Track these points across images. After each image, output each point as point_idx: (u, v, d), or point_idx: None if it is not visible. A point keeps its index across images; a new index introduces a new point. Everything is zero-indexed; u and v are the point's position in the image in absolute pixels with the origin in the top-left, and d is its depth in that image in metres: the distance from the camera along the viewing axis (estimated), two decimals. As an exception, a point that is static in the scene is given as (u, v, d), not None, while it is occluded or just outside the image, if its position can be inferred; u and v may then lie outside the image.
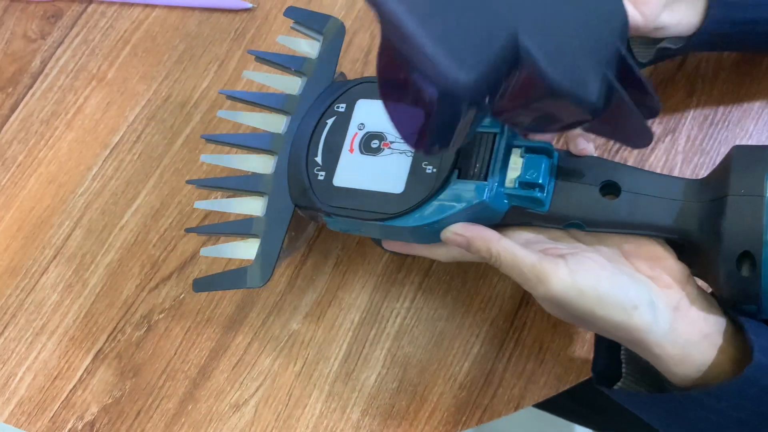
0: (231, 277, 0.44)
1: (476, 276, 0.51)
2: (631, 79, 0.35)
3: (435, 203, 0.39)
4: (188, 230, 0.47)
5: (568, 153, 0.40)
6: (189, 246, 0.53)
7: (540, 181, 0.38)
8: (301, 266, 0.52)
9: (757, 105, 0.53)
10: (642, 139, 0.35)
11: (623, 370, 0.41)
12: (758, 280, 0.34)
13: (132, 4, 0.60)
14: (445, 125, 0.32)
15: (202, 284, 0.45)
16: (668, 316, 0.36)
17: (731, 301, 0.36)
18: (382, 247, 0.51)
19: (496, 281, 0.51)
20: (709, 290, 0.40)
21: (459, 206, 0.38)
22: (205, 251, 0.46)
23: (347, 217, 0.41)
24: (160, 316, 0.52)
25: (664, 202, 0.37)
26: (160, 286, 0.52)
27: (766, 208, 0.34)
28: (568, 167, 0.39)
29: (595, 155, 0.40)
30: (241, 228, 0.44)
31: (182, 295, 0.52)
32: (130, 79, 0.58)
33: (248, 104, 0.48)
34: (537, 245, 0.38)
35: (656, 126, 0.53)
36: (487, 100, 0.32)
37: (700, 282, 0.39)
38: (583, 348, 0.49)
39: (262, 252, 0.43)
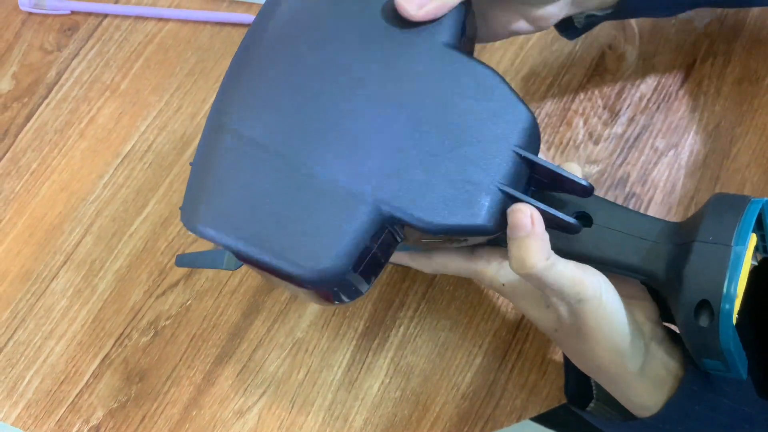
0: (210, 257, 0.44)
1: (479, 287, 0.51)
2: (548, 175, 0.34)
3: None
4: (182, 208, 0.47)
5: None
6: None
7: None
8: (307, 275, 0.53)
9: (760, 121, 0.54)
10: (568, 228, 0.34)
11: (594, 392, 0.43)
12: (716, 332, 0.32)
13: (146, 18, 0.62)
14: (339, 290, 0.33)
15: (184, 260, 0.45)
16: (643, 355, 0.37)
17: (696, 353, 0.35)
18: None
19: (499, 292, 0.51)
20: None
21: None
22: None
23: None
24: (167, 323, 0.52)
25: (633, 240, 0.36)
26: (168, 293, 0.53)
27: (732, 260, 0.32)
28: (546, 193, 0.38)
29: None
30: None
31: (189, 302, 0.53)
32: (143, 91, 0.59)
33: None
34: None
35: (659, 141, 0.54)
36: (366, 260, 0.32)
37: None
38: (586, 359, 0.49)
39: None
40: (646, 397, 0.37)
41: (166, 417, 0.50)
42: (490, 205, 0.32)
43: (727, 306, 0.32)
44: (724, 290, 0.32)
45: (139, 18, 0.62)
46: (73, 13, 0.62)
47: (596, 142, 0.54)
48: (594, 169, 0.53)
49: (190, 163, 0.36)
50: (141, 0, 0.62)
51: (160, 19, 0.61)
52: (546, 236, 0.33)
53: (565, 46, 0.57)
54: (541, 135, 0.55)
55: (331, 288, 0.33)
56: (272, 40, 0.34)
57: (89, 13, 0.62)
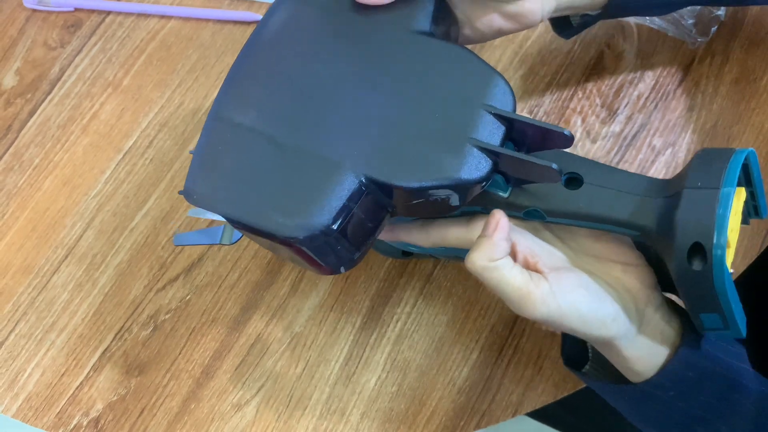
0: (207, 234, 0.46)
1: (477, 283, 0.52)
2: (528, 131, 0.36)
3: None
4: (182, 192, 0.48)
5: None
6: (196, 248, 0.54)
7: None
8: (305, 270, 0.53)
9: (757, 120, 0.54)
10: (551, 176, 0.35)
11: (589, 354, 0.44)
12: (710, 275, 0.33)
13: (148, 15, 0.62)
14: (328, 251, 0.36)
15: (181, 239, 0.47)
16: (637, 321, 0.37)
17: (693, 307, 0.36)
18: (379, 252, 0.52)
19: (496, 288, 0.52)
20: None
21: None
22: (192, 212, 0.46)
23: None
24: (167, 317, 0.53)
25: (623, 196, 0.37)
26: (168, 287, 0.54)
27: (721, 200, 0.33)
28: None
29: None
30: None
31: (188, 297, 0.53)
32: (145, 87, 0.60)
33: None
34: (517, 237, 0.38)
35: (657, 139, 0.54)
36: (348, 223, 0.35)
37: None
38: (581, 356, 0.50)
39: None
40: (641, 364, 0.37)
41: (165, 410, 0.51)
42: (464, 159, 0.34)
43: (718, 247, 0.32)
44: (715, 230, 0.32)
45: (141, 15, 0.62)
46: (76, 10, 0.63)
47: (594, 141, 0.54)
48: (591, 167, 0.54)
49: (191, 151, 0.42)
50: (144, -3, 0.63)
51: (162, 17, 0.62)
52: (500, 244, 0.35)
53: (564, 45, 0.57)
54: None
55: (315, 247, 0.35)
56: (264, 45, 0.40)
57: (92, 10, 0.63)
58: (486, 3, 0.42)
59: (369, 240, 0.37)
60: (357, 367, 0.50)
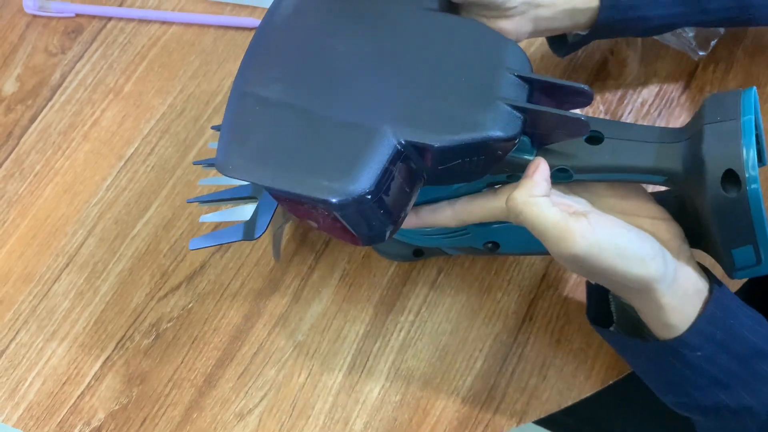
0: (227, 232, 0.45)
1: (480, 291, 0.51)
2: (545, 86, 0.37)
3: None
4: (190, 200, 0.48)
5: None
6: (198, 256, 0.54)
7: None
8: (308, 278, 0.53)
9: (764, 127, 0.54)
10: (580, 128, 0.36)
11: (614, 317, 0.44)
12: (745, 199, 0.34)
13: (150, 21, 0.62)
14: (364, 219, 0.35)
15: (198, 242, 0.46)
16: (674, 266, 0.37)
17: (726, 239, 0.36)
18: (388, 257, 0.51)
19: (500, 296, 0.51)
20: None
21: None
22: (204, 218, 0.46)
23: None
24: (169, 325, 0.52)
25: (645, 146, 0.37)
26: (170, 295, 0.53)
27: (744, 126, 0.34)
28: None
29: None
30: (241, 192, 0.46)
31: (191, 305, 0.53)
32: (146, 93, 0.59)
33: None
34: (552, 197, 0.38)
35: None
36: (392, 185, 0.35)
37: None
38: (586, 364, 0.49)
39: (259, 206, 0.45)
40: (675, 315, 0.37)
41: (167, 419, 0.50)
42: (496, 116, 0.35)
43: (750, 167, 0.33)
44: (744, 153, 0.33)
45: (142, 21, 0.62)
46: (77, 15, 0.63)
47: (598, 148, 0.54)
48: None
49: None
50: (145, 3, 0.62)
51: (163, 23, 0.62)
52: (541, 183, 0.36)
53: (567, 51, 0.57)
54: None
55: (355, 213, 0.34)
56: (279, 25, 0.40)
57: (93, 16, 0.62)
58: (461, 14, 0.44)
59: (404, 211, 0.37)
60: (360, 376, 0.50)
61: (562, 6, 0.44)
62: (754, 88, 0.36)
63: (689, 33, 0.54)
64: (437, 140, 0.34)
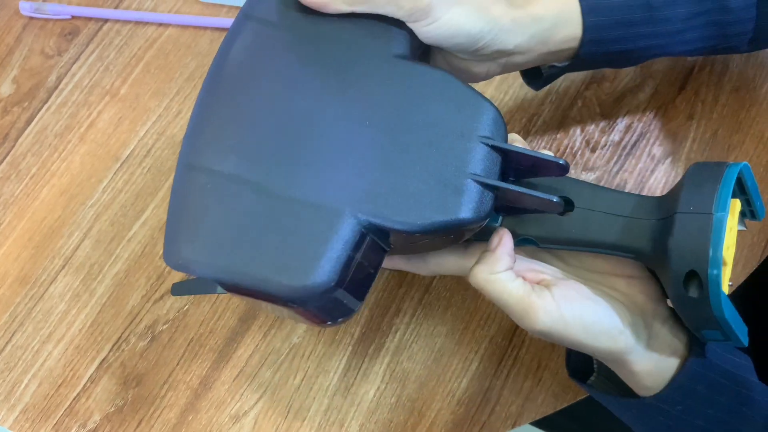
0: (205, 283, 0.44)
1: (476, 293, 0.51)
2: (522, 160, 0.35)
3: None
4: (164, 257, 0.47)
5: None
6: (194, 258, 0.54)
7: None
8: (304, 280, 0.53)
9: (757, 129, 0.54)
10: (553, 208, 0.35)
11: (594, 366, 0.44)
12: (707, 301, 0.33)
13: (146, 23, 0.62)
14: (328, 307, 0.33)
15: (180, 288, 0.45)
16: (645, 335, 0.37)
17: (692, 325, 0.36)
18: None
19: (495, 299, 0.51)
20: None
21: None
22: None
23: None
24: (164, 327, 0.53)
25: (616, 219, 0.36)
26: (165, 297, 0.53)
27: (714, 227, 0.32)
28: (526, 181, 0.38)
29: None
30: None
31: (186, 307, 0.53)
32: (142, 95, 0.60)
33: None
34: (517, 262, 0.38)
35: (656, 148, 0.54)
36: (350, 270, 0.33)
37: None
38: (581, 367, 0.49)
39: None
40: (650, 379, 0.37)
41: (163, 421, 0.50)
42: (467, 197, 0.33)
43: (714, 273, 0.32)
44: (710, 258, 0.32)
45: (139, 23, 0.62)
46: (73, 17, 0.63)
47: (593, 150, 0.54)
48: (591, 176, 0.54)
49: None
50: (141, 5, 0.62)
51: (160, 25, 0.62)
52: (503, 258, 0.35)
53: (563, 53, 0.57)
54: (539, 142, 0.55)
55: (319, 306, 0.33)
56: (230, 78, 0.36)
57: (90, 18, 0.62)
58: (437, 60, 0.41)
59: (369, 285, 0.35)
60: (356, 378, 0.50)
61: (539, 51, 0.42)
62: (744, 164, 0.35)
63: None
64: (404, 225, 0.32)
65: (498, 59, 0.41)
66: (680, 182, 0.36)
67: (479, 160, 0.33)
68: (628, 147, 0.54)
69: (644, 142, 0.54)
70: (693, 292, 0.33)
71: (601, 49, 0.42)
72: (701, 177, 0.35)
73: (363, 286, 0.34)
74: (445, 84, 0.35)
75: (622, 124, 0.55)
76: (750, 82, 0.55)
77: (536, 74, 0.47)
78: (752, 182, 0.36)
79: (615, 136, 0.54)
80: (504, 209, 0.37)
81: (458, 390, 0.49)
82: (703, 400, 0.37)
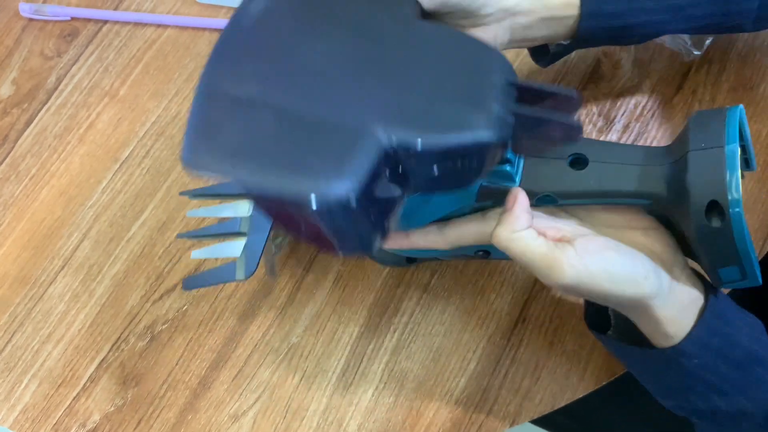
0: (219, 273, 0.44)
1: (474, 293, 0.52)
2: (536, 94, 0.36)
3: None
4: (180, 236, 0.48)
5: None
6: (193, 259, 0.54)
7: (508, 156, 0.38)
8: (302, 280, 0.53)
9: (754, 128, 0.54)
10: (570, 132, 0.35)
11: (612, 322, 0.44)
12: (729, 229, 0.34)
13: (145, 25, 0.62)
14: (345, 228, 0.32)
15: (191, 282, 0.45)
16: (668, 280, 0.37)
17: (712, 262, 0.36)
18: (381, 263, 0.52)
19: (493, 298, 0.51)
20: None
21: None
22: (195, 254, 0.46)
23: None
24: (164, 327, 0.53)
25: (629, 168, 0.37)
26: (164, 297, 0.53)
27: (728, 157, 0.34)
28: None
29: None
30: (229, 228, 0.46)
31: (185, 307, 0.53)
32: (141, 96, 0.60)
33: None
34: (537, 221, 0.38)
35: (654, 148, 0.54)
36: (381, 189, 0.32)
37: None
38: (579, 365, 0.49)
39: (247, 247, 0.44)
40: (673, 326, 0.37)
41: (162, 421, 0.51)
42: (487, 117, 0.33)
43: (735, 203, 0.33)
44: (728, 185, 0.34)
45: (138, 24, 0.62)
46: (73, 19, 0.63)
47: (591, 149, 0.54)
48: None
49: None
50: (140, 6, 0.63)
51: (159, 26, 0.62)
52: (522, 216, 0.36)
53: (561, 53, 0.57)
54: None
55: (335, 222, 0.32)
56: (252, 23, 0.36)
57: (89, 20, 0.63)
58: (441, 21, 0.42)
59: (389, 219, 0.35)
60: (354, 377, 0.50)
61: (540, 14, 0.43)
62: (741, 106, 0.36)
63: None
64: (427, 140, 0.33)
65: (502, 20, 0.42)
66: (685, 128, 0.37)
67: (495, 90, 0.34)
68: (626, 147, 0.54)
69: (642, 141, 0.54)
70: (715, 222, 0.34)
71: (601, 23, 0.43)
72: (706, 119, 0.36)
73: (383, 215, 0.34)
74: (455, 35, 0.37)
75: (619, 123, 0.55)
76: (747, 81, 0.55)
77: (544, 52, 0.49)
78: (747, 127, 0.37)
79: (613, 135, 0.54)
80: (522, 149, 0.37)
81: (456, 389, 0.50)
82: (718, 355, 0.37)
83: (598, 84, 0.56)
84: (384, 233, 0.35)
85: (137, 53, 0.61)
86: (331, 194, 0.30)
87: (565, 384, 0.49)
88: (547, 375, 0.49)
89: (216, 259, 0.52)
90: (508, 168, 0.38)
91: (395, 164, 0.34)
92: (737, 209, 0.33)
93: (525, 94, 0.36)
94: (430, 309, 0.52)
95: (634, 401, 0.59)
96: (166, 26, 0.62)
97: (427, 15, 0.41)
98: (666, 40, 0.55)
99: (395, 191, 0.34)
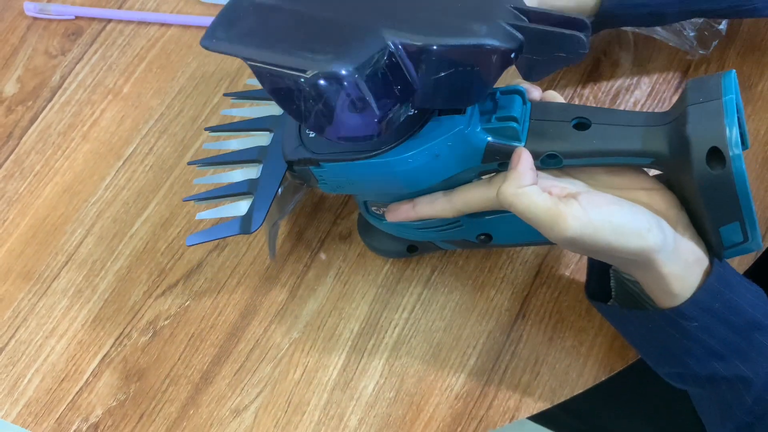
0: (224, 227, 0.45)
1: (474, 289, 0.52)
2: (542, 18, 0.37)
3: (418, 138, 0.40)
4: (186, 199, 0.47)
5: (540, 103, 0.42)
6: (196, 255, 0.55)
7: (514, 114, 0.39)
8: (303, 276, 0.53)
9: (753, 126, 0.54)
10: (578, 47, 0.36)
11: (612, 292, 0.44)
12: (730, 175, 0.34)
13: (148, 23, 0.63)
14: (352, 104, 0.35)
15: (195, 238, 0.45)
16: (672, 235, 0.37)
17: (714, 216, 0.37)
18: (382, 255, 0.52)
19: (493, 294, 0.52)
20: None
21: (440, 137, 0.39)
22: (201, 215, 0.46)
23: (337, 161, 0.41)
24: (166, 322, 0.53)
25: (632, 129, 0.38)
26: (167, 293, 0.54)
27: (726, 106, 0.35)
28: (540, 110, 0.41)
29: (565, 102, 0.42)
30: (237, 188, 0.46)
31: (188, 303, 0.53)
32: (145, 94, 0.60)
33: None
34: (542, 181, 0.39)
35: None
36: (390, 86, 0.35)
37: None
38: (578, 361, 0.50)
39: (255, 201, 0.44)
40: (678, 283, 0.37)
41: (164, 415, 0.51)
42: (493, 28, 0.35)
43: (734, 144, 0.34)
44: (727, 131, 0.34)
45: (141, 23, 0.63)
46: (77, 18, 0.63)
47: (590, 147, 0.55)
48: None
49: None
50: (144, 5, 0.63)
51: (162, 24, 0.63)
52: (527, 173, 0.37)
53: (561, 52, 0.57)
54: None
55: (343, 98, 0.34)
56: None
57: (93, 18, 0.63)
58: None
59: (393, 107, 0.36)
60: (355, 372, 0.51)
61: (560, 7, 0.44)
62: (734, 71, 0.37)
63: (690, 33, 0.55)
64: (432, 42, 0.35)
65: None
66: (683, 92, 0.38)
67: (506, 12, 0.37)
68: (625, 144, 0.55)
69: (641, 139, 0.55)
70: (717, 169, 0.35)
71: (623, 1, 0.44)
72: (702, 81, 0.37)
73: (386, 104, 0.36)
74: None
75: (619, 121, 0.55)
76: (746, 80, 0.55)
77: None
78: (740, 100, 0.38)
79: (612, 133, 0.55)
80: (532, 70, 0.39)
81: (456, 384, 0.50)
82: (719, 319, 0.37)
83: (598, 82, 0.56)
84: (385, 121, 0.36)
85: (141, 52, 0.62)
86: (342, 67, 0.33)
87: (565, 379, 0.49)
88: (546, 370, 0.50)
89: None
90: (514, 125, 0.39)
91: (399, 66, 0.35)
92: (737, 155, 0.34)
93: (534, 16, 0.37)
94: (430, 305, 0.52)
95: (635, 399, 0.59)
96: (169, 25, 0.63)
97: None
98: (671, 39, 0.55)
99: (399, 89, 0.36)
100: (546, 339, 0.50)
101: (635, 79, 0.56)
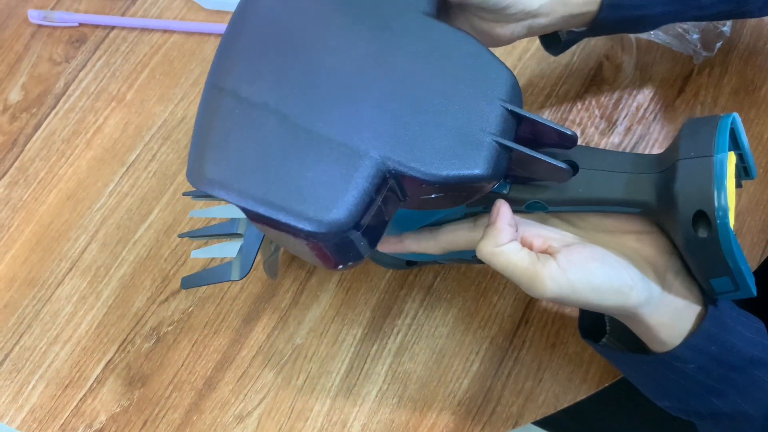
0: (215, 272, 0.45)
1: (476, 295, 0.52)
2: (534, 128, 0.36)
3: None
4: (181, 235, 0.48)
5: None
6: (198, 261, 0.55)
7: None
8: (306, 282, 0.53)
9: (756, 130, 0.54)
10: (562, 176, 0.36)
11: (607, 327, 0.44)
12: (717, 240, 0.33)
13: (151, 30, 0.63)
14: (343, 247, 0.34)
15: (189, 281, 0.46)
16: (658, 285, 0.37)
17: (703, 274, 0.36)
18: (382, 265, 0.52)
19: (496, 300, 0.52)
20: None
21: None
22: (195, 253, 0.47)
23: None
24: (169, 329, 0.53)
25: (619, 176, 0.37)
26: (170, 299, 0.54)
27: (716, 166, 0.34)
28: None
29: None
30: (226, 228, 0.46)
31: (191, 309, 0.54)
32: (148, 101, 0.60)
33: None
34: (525, 228, 0.39)
35: (656, 151, 0.54)
36: (370, 214, 0.33)
37: None
38: (581, 367, 0.50)
39: (243, 248, 0.45)
40: (666, 332, 0.37)
41: (168, 421, 0.51)
42: (486, 154, 0.34)
43: (722, 211, 0.33)
44: (715, 195, 0.33)
45: (144, 30, 0.63)
46: (81, 25, 0.64)
47: (593, 152, 0.55)
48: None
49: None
50: (147, 12, 0.64)
51: (165, 31, 0.63)
52: (505, 230, 0.36)
53: (563, 57, 0.57)
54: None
55: (334, 244, 0.33)
56: (264, 12, 0.36)
57: (97, 26, 0.64)
58: (457, 15, 0.43)
59: (381, 236, 0.36)
60: (358, 378, 0.51)
61: (560, 13, 0.44)
62: (735, 114, 0.36)
63: (693, 35, 0.55)
64: (425, 174, 0.33)
65: (523, 20, 0.43)
66: (677, 137, 0.37)
67: (498, 121, 0.34)
68: (628, 149, 0.54)
69: (644, 144, 0.54)
70: (702, 233, 0.34)
71: (618, 13, 0.44)
72: (697, 127, 0.36)
73: (376, 233, 0.35)
74: (470, 45, 0.36)
75: (621, 126, 0.55)
76: (749, 84, 0.55)
77: (555, 39, 0.49)
78: (744, 136, 0.37)
79: (615, 138, 0.55)
80: (512, 177, 0.38)
81: (459, 390, 0.50)
82: (716, 360, 0.37)
83: (600, 87, 0.56)
84: (375, 244, 0.36)
85: (144, 58, 0.62)
86: (331, 225, 0.32)
87: (568, 386, 0.49)
88: (549, 377, 0.50)
89: (222, 259, 0.53)
90: None
91: (391, 188, 0.34)
92: (724, 220, 0.33)
93: (525, 124, 0.36)
94: (433, 311, 0.52)
95: (636, 403, 0.59)
96: (172, 32, 0.63)
97: (446, 6, 0.42)
98: (674, 43, 0.55)
99: (389, 213, 0.35)
100: (549, 345, 0.50)
101: (638, 82, 0.56)
